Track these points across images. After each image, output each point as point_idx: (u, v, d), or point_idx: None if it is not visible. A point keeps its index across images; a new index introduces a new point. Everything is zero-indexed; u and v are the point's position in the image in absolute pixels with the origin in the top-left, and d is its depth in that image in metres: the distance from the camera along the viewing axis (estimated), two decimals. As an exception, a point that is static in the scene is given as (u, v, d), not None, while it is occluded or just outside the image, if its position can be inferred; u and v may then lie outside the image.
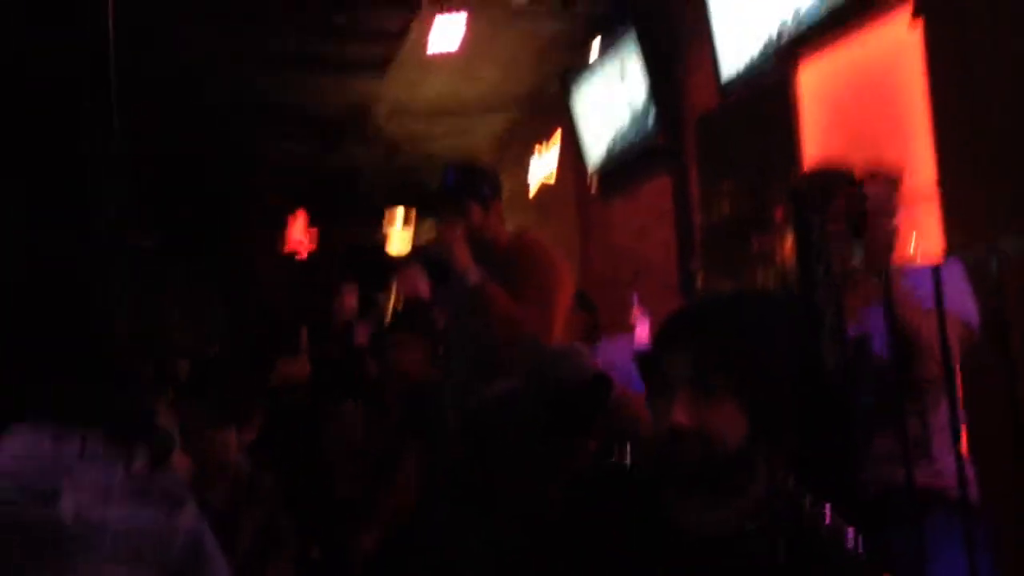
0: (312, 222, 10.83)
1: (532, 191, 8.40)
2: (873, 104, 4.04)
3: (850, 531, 1.42)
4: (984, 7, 3.34)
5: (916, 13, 3.58)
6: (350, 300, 7.28)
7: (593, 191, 7.16)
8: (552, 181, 8.05)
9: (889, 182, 2.43)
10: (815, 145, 4.43)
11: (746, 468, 1.37)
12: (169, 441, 2.14)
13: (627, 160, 6.47)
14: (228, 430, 3.14)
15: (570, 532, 1.52)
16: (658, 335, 1.44)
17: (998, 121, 3.25)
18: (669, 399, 1.35)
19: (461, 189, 3.27)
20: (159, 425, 2.93)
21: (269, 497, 3.34)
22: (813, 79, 4.44)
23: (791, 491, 1.44)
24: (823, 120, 4.42)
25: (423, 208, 10.48)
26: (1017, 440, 1.89)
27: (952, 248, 3.30)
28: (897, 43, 3.75)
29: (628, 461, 1.66)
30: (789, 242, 2.69)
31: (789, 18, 4.56)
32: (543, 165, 8.17)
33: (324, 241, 10.83)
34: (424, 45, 6.47)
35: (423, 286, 6.47)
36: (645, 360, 1.43)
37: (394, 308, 7.15)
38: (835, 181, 2.47)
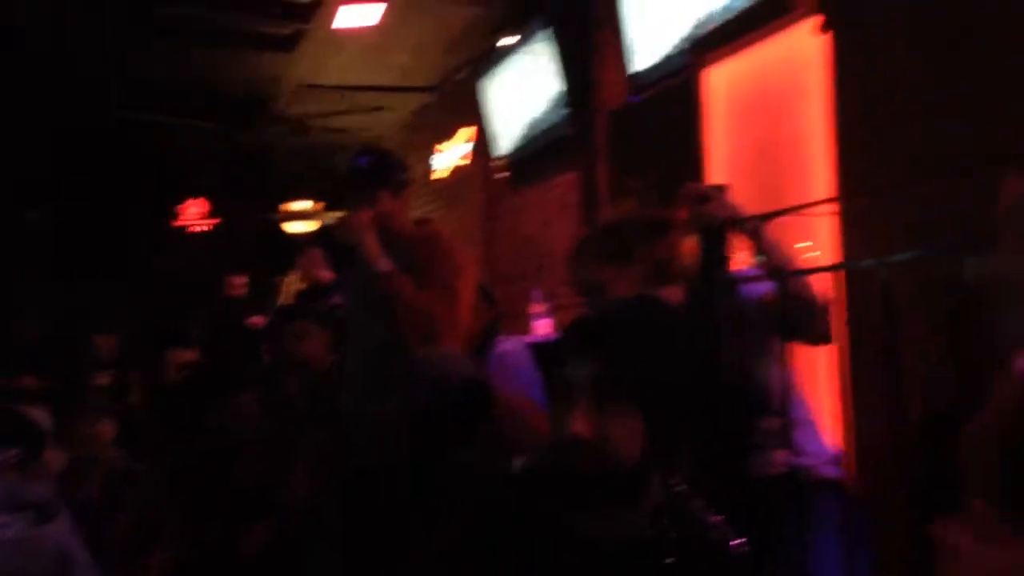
0: (215, 202, 10.60)
1: (438, 177, 8.34)
2: (777, 107, 4.11)
3: (735, 534, 1.46)
4: (889, 20, 3.42)
5: (825, 26, 3.64)
6: (238, 282, 7.14)
7: (501, 181, 7.15)
8: (459, 169, 8.00)
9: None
10: (720, 145, 4.49)
11: (642, 477, 1.38)
12: (41, 438, 2.04)
13: (536, 151, 6.47)
14: (101, 424, 3.03)
15: (468, 538, 1.51)
16: (560, 343, 1.44)
17: (896, 135, 3.33)
18: (569, 408, 1.35)
19: (373, 174, 3.20)
20: (31, 422, 2.81)
21: (146, 488, 3.25)
22: (721, 80, 4.49)
23: (684, 498, 1.46)
24: (729, 120, 4.48)
25: (330, 191, 10.35)
26: (899, 434, 1.95)
27: (848, 257, 3.37)
28: (803, 50, 3.82)
29: (522, 469, 1.65)
30: (690, 242, 2.70)
31: (699, 19, 4.61)
32: (451, 152, 8.12)
33: (227, 221, 10.61)
34: (333, 24, 6.34)
35: (325, 271, 6.38)
36: (546, 368, 1.43)
37: (294, 292, 7.03)
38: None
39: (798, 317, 2.30)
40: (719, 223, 2.41)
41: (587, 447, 1.34)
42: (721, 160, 4.45)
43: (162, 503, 3.26)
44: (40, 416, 2.94)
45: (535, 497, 1.46)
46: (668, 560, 1.40)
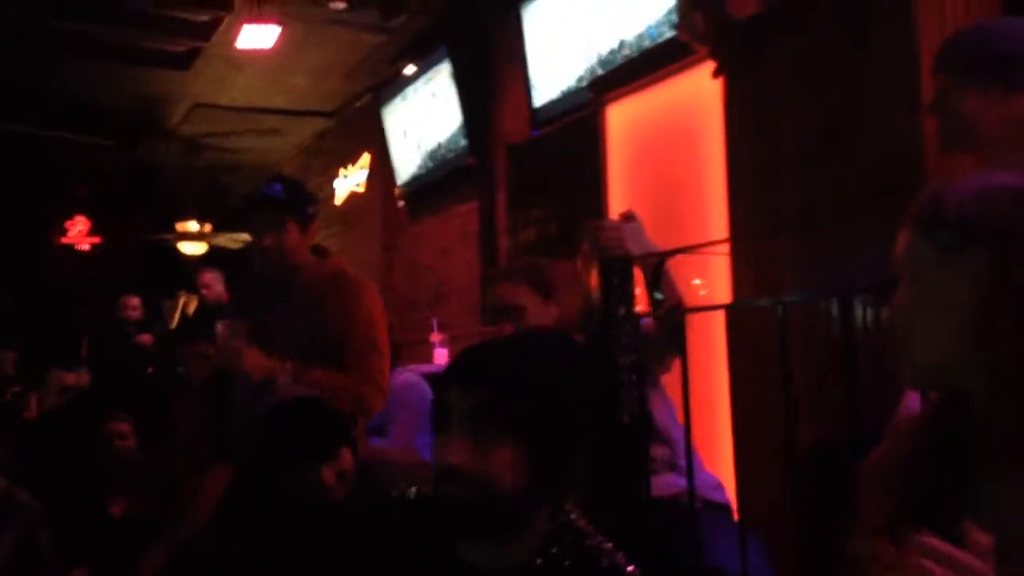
0: (101, 218, 10.27)
1: (337, 202, 8.27)
2: (676, 146, 4.23)
3: (629, 560, 1.48)
4: (778, 69, 3.57)
5: (717, 71, 3.78)
6: (133, 303, 6.95)
7: (400, 209, 7.14)
8: (358, 195, 7.96)
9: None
10: (620, 180, 4.59)
11: (526, 507, 1.39)
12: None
13: (436, 180, 6.49)
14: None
15: (360, 566, 1.49)
16: (444, 372, 1.44)
17: (786, 176, 3.47)
18: (447, 438, 1.36)
19: (285, 203, 3.10)
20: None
21: (25, 514, 3.12)
22: (621, 117, 4.60)
23: (575, 526, 1.48)
24: (629, 157, 4.59)
25: (220, 211, 10.14)
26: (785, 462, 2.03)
27: (740, 295, 3.48)
28: (701, 91, 3.95)
29: (413, 495, 1.64)
30: (592, 276, 2.75)
31: (601, 57, 4.73)
32: (351, 178, 8.07)
33: (114, 239, 10.29)
34: (233, 43, 6.25)
35: (222, 291, 6.26)
36: (434, 396, 1.44)
37: (183, 314, 6.87)
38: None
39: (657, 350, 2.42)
40: (621, 256, 2.46)
41: (462, 477, 1.34)
42: (620, 195, 4.55)
43: (41, 533, 3.13)
44: None
45: (424, 523, 1.46)
46: None
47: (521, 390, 1.37)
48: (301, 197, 3.14)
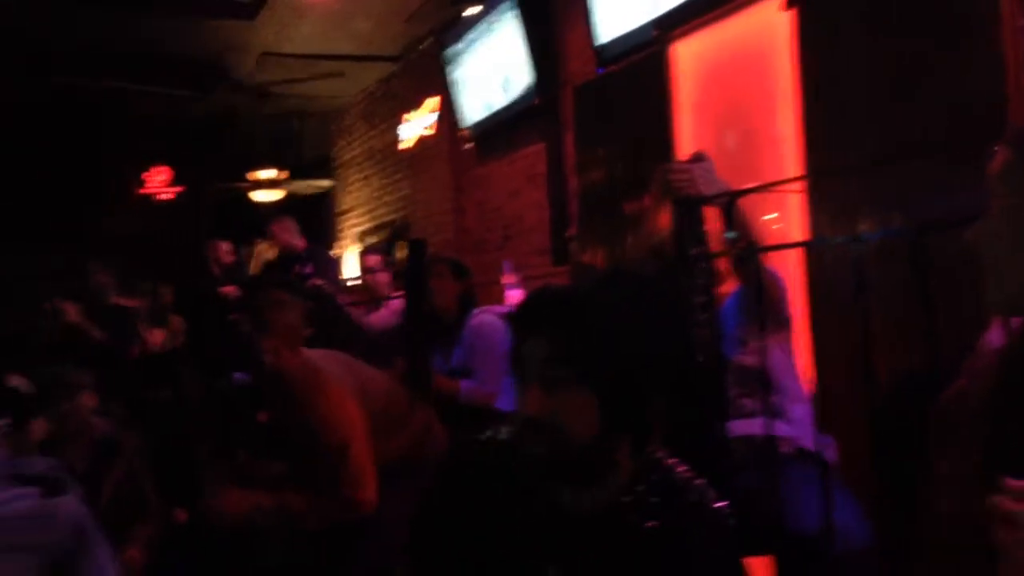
0: (177, 168, 10.49)
1: (404, 147, 8.33)
2: (745, 82, 4.18)
3: (715, 494, 1.50)
4: (850, 1, 3.49)
5: (789, 3, 3.71)
6: (225, 248, 7.11)
7: (467, 152, 7.16)
8: (425, 139, 8.00)
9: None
10: (688, 117, 4.56)
11: (604, 451, 1.41)
12: (25, 406, 2.06)
13: (502, 121, 6.49)
14: (84, 393, 3.04)
15: (449, 507, 1.55)
16: (514, 323, 1.46)
17: (861, 111, 3.41)
18: (523, 388, 1.38)
19: None
20: (15, 390, 2.82)
21: (131, 457, 3.25)
22: (689, 53, 4.55)
23: (662, 463, 1.50)
24: (697, 93, 4.54)
25: (296, 159, 10.28)
26: (869, 406, 2.04)
27: (816, 233, 3.46)
28: (771, 25, 3.89)
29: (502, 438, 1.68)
30: (663, 216, 2.76)
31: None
32: (417, 123, 8.10)
33: (190, 189, 10.51)
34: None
35: (297, 239, 6.37)
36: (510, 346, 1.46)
37: (260, 261, 7.01)
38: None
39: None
40: (692, 196, 2.46)
41: (539, 427, 1.36)
42: (688, 133, 4.53)
43: (144, 475, 3.27)
44: (22, 383, 2.94)
45: (512, 465, 1.50)
46: (649, 524, 1.44)
47: (590, 337, 1.38)
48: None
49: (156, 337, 5.44)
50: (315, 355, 2.96)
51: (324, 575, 2.54)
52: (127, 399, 3.64)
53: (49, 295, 5.67)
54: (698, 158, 2.51)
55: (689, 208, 2.48)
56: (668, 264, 2.58)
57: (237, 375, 3.54)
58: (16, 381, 2.95)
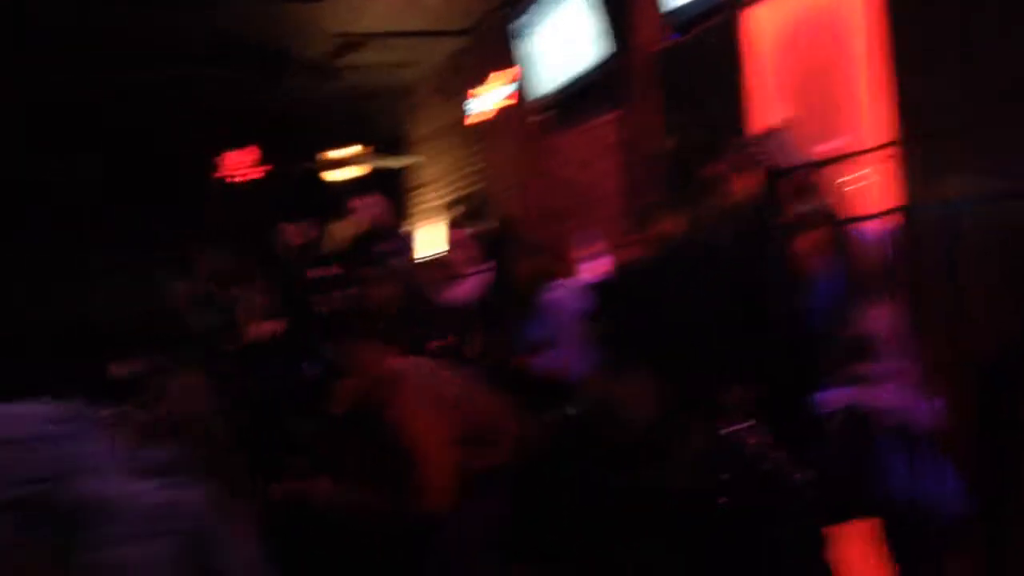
0: (257, 152, 10.68)
1: (475, 121, 8.36)
2: (822, 46, 4.11)
3: (793, 466, 1.52)
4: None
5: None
6: (295, 230, 7.22)
7: (538, 123, 7.17)
8: (496, 112, 8.02)
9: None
10: (764, 83, 4.50)
11: (671, 430, 1.44)
12: (130, 392, 2.14)
13: (574, 92, 6.48)
14: (190, 376, 3.14)
15: (535, 489, 1.60)
16: (584, 302, 1.50)
17: (950, 72, 3.32)
18: (594, 369, 1.42)
19: None
20: (124, 380, 2.93)
21: (223, 438, 3.36)
22: (764, 18, 4.48)
23: (734, 439, 1.52)
24: (772, 59, 4.48)
25: (368, 138, 10.39)
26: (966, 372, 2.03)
27: (910, 198, 3.37)
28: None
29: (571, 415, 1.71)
30: (738, 186, 2.75)
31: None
32: (488, 96, 8.12)
33: (267, 172, 10.70)
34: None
35: (385, 215, 6.45)
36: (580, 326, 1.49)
37: (339, 239, 7.12)
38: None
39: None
40: (774, 166, 2.47)
41: (602, 408, 1.40)
42: (764, 99, 4.47)
43: (236, 453, 3.37)
44: (125, 370, 3.06)
45: (586, 447, 1.54)
46: (721, 501, 1.46)
47: (648, 319, 1.41)
48: None
49: (262, 327, 5.55)
50: (403, 363, 3.01)
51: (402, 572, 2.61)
52: (226, 384, 3.76)
53: (137, 282, 5.84)
54: (777, 130, 2.51)
55: (768, 179, 2.48)
56: (743, 234, 2.58)
57: (308, 365, 3.64)
58: (120, 369, 3.06)
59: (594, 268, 5.36)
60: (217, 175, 10.68)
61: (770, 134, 2.49)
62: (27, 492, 1.19)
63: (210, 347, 4.65)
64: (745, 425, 1.62)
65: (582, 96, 6.40)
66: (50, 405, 1.34)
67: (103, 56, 8.08)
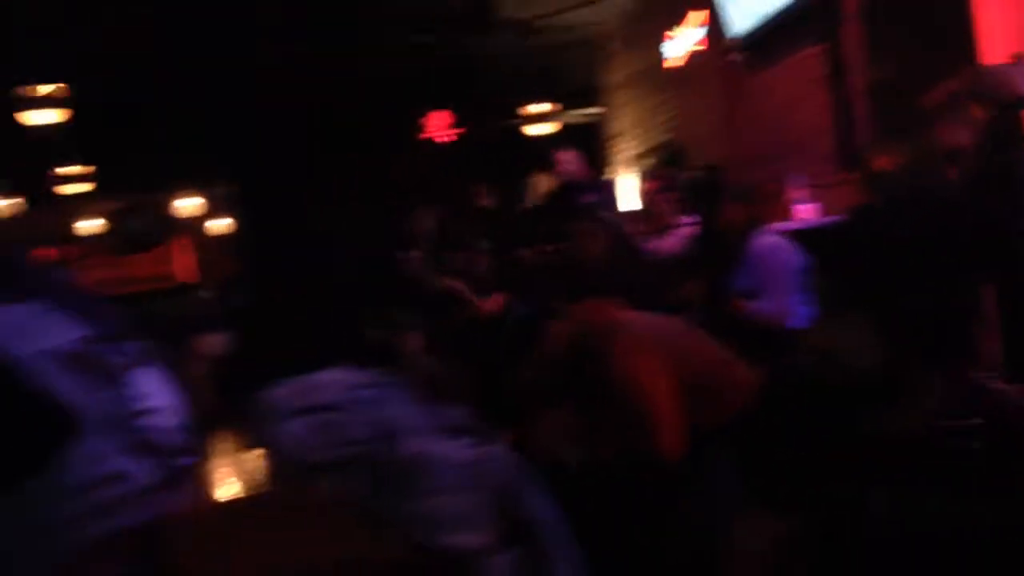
0: (453, 111, 10.93)
1: (671, 65, 8.20)
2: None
3: None
4: None
5: None
6: (482, 191, 7.35)
7: (738, 62, 6.94)
8: (693, 54, 7.83)
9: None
10: (990, 8, 4.16)
11: (899, 376, 1.39)
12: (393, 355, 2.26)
13: (776, 27, 6.23)
14: (408, 336, 3.28)
15: (770, 437, 1.59)
16: (799, 254, 1.46)
17: None
18: (817, 319, 1.39)
19: None
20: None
21: (452, 391, 3.50)
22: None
23: (981, 384, 1.46)
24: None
25: (563, 91, 10.42)
26: None
27: None
28: None
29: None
30: (973, 119, 2.58)
31: None
32: (683, 38, 7.94)
33: (467, 129, 10.94)
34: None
35: (581, 169, 6.47)
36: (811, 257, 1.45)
37: (539, 194, 7.20)
38: None
39: None
40: (1009, 99, 2.30)
41: (824, 355, 1.37)
42: (993, 24, 4.13)
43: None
44: (380, 333, 3.22)
45: (818, 394, 1.51)
46: (969, 448, 1.41)
47: (873, 268, 1.37)
48: None
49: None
50: (627, 316, 3.00)
51: (645, 530, 2.62)
52: (451, 338, 3.87)
53: (351, 245, 6.10)
54: (1019, 58, 2.33)
55: (1005, 111, 2.31)
56: (972, 169, 2.43)
57: (520, 308, 3.70)
58: (376, 333, 3.21)
59: (805, 212, 5.18)
60: (420, 135, 11.01)
61: (1008, 65, 2.31)
62: (351, 453, 1.31)
63: (439, 308, 4.81)
64: (990, 372, 1.54)
65: (785, 30, 6.14)
66: (354, 371, 1.45)
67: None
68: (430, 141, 10.99)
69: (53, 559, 1.27)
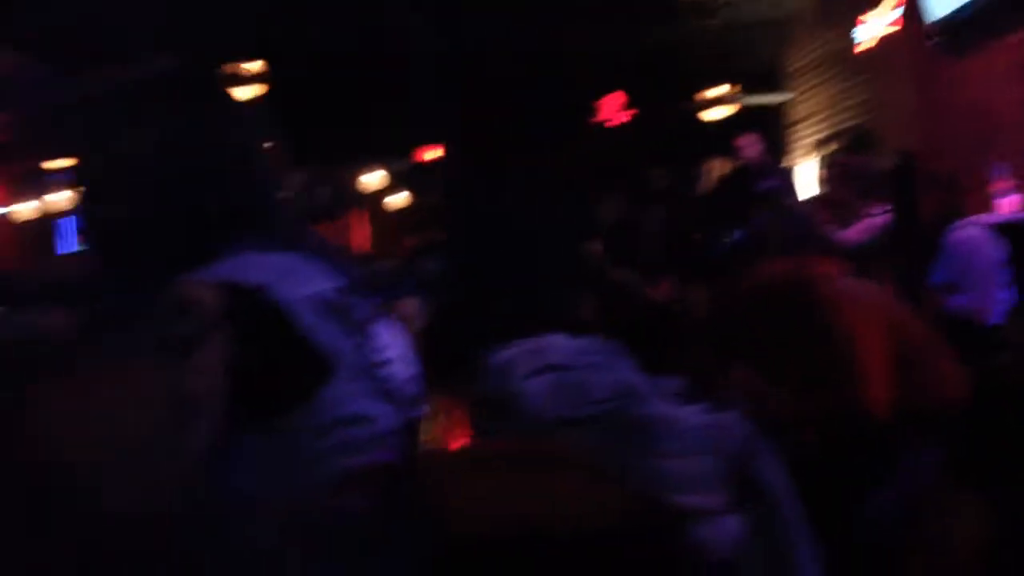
0: (630, 94, 10.90)
1: (862, 49, 7.91)
2: None
3: None
4: None
5: None
6: (660, 173, 7.32)
7: (936, 47, 6.64)
8: (886, 38, 7.53)
9: None
10: None
11: None
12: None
13: (978, 11, 5.92)
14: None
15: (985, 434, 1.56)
16: (1002, 247, 1.42)
17: None
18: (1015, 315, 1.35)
19: None
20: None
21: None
22: None
23: None
24: None
25: (745, 73, 10.23)
26: None
27: None
28: None
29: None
30: None
31: None
32: (876, 21, 7.64)
33: (643, 113, 10.89)
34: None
35: (760, 153, 6.38)
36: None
37: (733, 175, 7.10)
38: None
39: None
40: None
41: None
42: None
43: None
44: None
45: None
46: None
47: None
48: None
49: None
50: (846, 282, 2.94)
51: (849, 498, 2.55)
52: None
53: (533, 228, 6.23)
54: None
55: None
56: None
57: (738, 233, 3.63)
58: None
59: (1007, 204, 4.93)
60: (594, 118, 11.03)
61: None
62: (593, 411, 1.39)
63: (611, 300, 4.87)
64: None
65: (989, 14, 5.83)
66: (578, 337, 1.53)
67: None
68: (603, 124, 11.00)
69: (308, 488, 1.39)
